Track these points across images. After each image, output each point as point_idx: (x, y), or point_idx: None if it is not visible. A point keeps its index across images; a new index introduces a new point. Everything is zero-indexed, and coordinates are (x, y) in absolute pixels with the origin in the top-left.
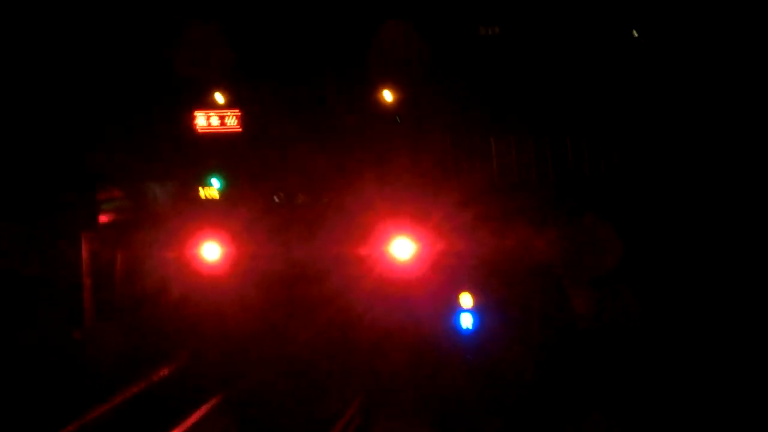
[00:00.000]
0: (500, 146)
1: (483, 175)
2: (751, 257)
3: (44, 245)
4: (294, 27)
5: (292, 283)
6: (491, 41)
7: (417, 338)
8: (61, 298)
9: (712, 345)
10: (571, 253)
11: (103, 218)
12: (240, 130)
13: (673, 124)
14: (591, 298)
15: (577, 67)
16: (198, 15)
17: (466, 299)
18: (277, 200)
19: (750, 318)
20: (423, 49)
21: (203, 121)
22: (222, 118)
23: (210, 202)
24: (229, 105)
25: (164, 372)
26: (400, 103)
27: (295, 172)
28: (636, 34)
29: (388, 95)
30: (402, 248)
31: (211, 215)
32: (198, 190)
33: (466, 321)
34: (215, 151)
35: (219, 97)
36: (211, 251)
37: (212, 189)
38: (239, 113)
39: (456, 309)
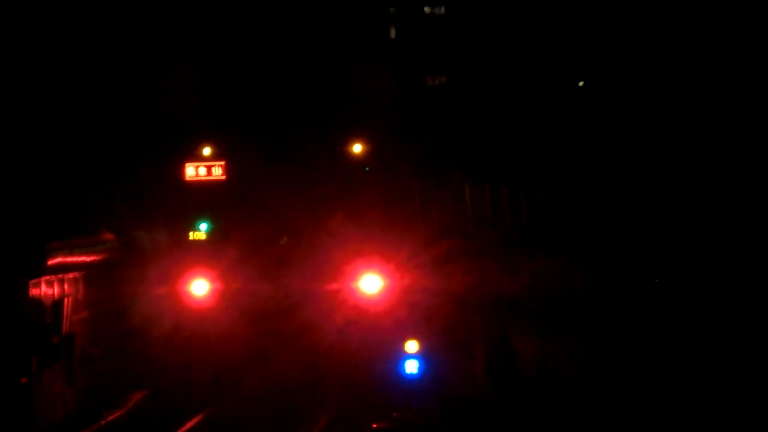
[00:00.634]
0: (457, 192)
1: (443, 218)
2: (688, 300)
3: None
4: (274, 89)
5: (272, 316)
6: (438, 91)
7: (368, 381)
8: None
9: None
10: (527, 289)
11: (87, 259)
12: (224, 178)
13: (622, 168)
14: (535, 344)
15: (525, 114)
16: (186, 81)
17: (411, 345)
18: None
19: (691, 362)
20: (384, 106)
21: (192, 171)
22: (209, 168)
23: (197, 242)
24: (215, 157)
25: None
26: (368, 154)
27: (275, 215)
28: (581, 84)
29: (357, 147)
30: (370, 283)
31: (198, 255)
32: (187, 233)
33: (412, 367)
34: (202, 198)
35: (206, 150)
36: (199, 287)
37: (200, 231)
38: (224, 164)
39: (402, 355)
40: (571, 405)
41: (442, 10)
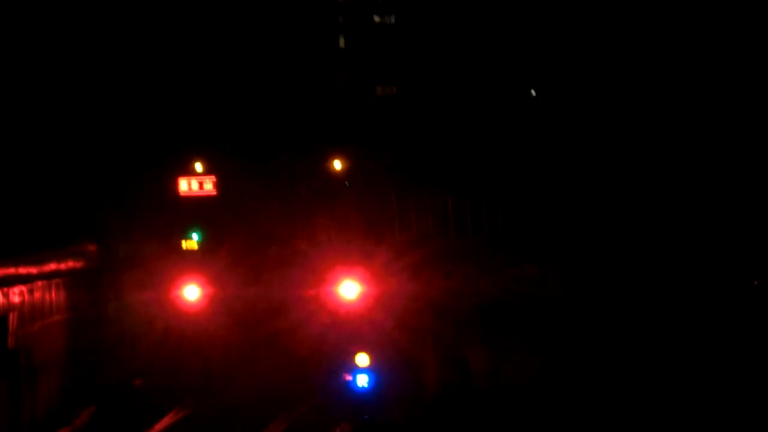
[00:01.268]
0: (420, 205)
1: (413, 229)
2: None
3: None
4: (260, 111)
5: (255, 319)
6: (388, 101)
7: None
8: None
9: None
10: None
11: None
12: (215, 192)
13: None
14: (486, 356)
15: (477, 124)
16: (179, 102)
17: (362, 358)
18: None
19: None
20: (356, 117)
21: (185, 185)
22: (200, 183)
23: (189, 252)
24: (206, 172)
25: None
26: (348, 170)
27: (262, 227)
28: (534, 93)
29: (338, 164)
30: (348, 289)
31: (190, 263)
32: (180, 242)
33: (362, 380)
34: (194, 210)
35: (198, 166)
36: (191, 292)
37: (192, 241)
38: (215, 179)
39: (352, 368)
40: (521, 420)
41: (392, 19)
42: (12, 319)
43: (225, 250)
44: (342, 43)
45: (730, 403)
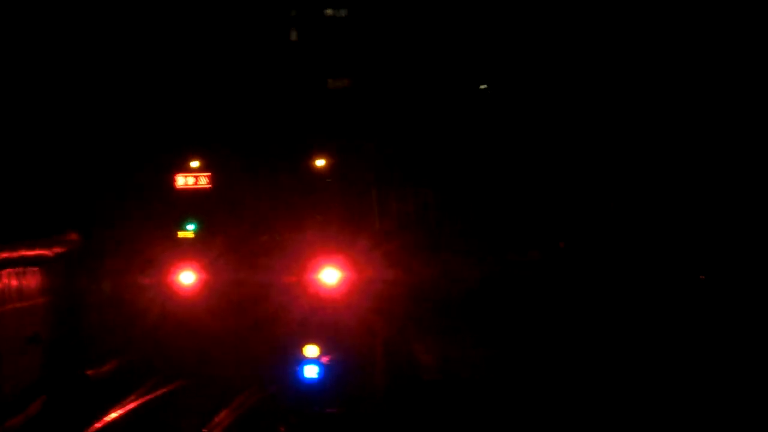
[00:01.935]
0: (399, 197)
1: (391, 221)
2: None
3: None
4: (247, 107)
5: (247, 303)
6: (340, 94)
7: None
8: None
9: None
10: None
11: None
12: (210, 187)
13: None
14: (435, 347)
15: (430, 117)
16: (176, 104)
17: (311, 350)
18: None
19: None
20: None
21: (181, 180)
22: (196, 178)
23: (185, 240)
24: (201, 168)
25: None
26: (330, 166)
27: (253, 218)
28: (483, 87)
29: (320, 161)
30: (329, 275)
31: (186, 250)
32: (176, 232)
33: (311, 372)
34: (190, 203)
35: (194, 163)
36: (187, 277)
37: (187, 231)
38: (209, 175)
39: (300, 359)
40: (466, 411)
41: (344, 12)
42: None
43: (218, 239)
44: (294, 36)
45: (675, 394)
